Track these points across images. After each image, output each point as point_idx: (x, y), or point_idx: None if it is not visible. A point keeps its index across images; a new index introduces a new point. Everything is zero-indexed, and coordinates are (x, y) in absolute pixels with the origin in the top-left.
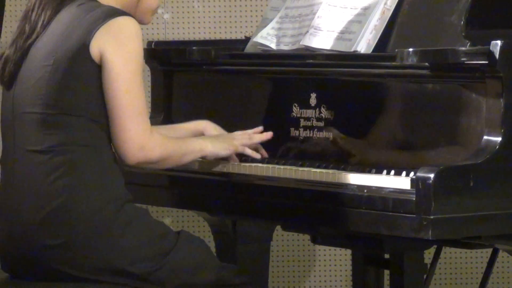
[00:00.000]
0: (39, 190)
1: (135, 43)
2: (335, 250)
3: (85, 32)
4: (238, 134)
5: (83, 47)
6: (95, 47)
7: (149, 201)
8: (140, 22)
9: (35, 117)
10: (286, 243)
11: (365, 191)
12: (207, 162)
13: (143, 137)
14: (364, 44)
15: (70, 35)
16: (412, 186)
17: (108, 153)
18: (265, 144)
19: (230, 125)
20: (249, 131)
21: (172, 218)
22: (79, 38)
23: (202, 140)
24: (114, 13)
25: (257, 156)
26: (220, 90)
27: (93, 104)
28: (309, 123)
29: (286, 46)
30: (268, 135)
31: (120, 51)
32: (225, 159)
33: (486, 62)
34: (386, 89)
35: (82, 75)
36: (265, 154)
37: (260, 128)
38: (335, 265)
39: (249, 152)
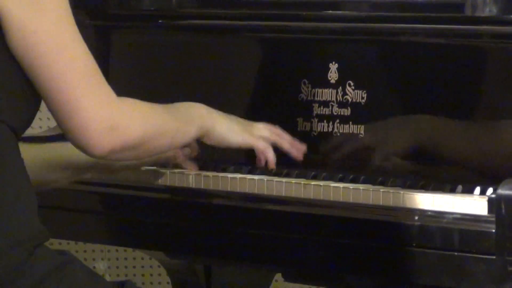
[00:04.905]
0: None
1: None
2: None
3: None
4: (262, 124)
5: None
6: None
7: (74, 236)
8: None
9: None
10: None
11: (417, 218)
12: (164, 173)
13: (109, 110)
14: None
15: None
16: (491, 210)
17: (15, 166)
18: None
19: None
20: (279, 129)
21: (109, 261)
22: None
23: (205, 110)
24: None
25: (272, 166)
26: (187, 59)
27: None
28: (327, 111)
29: None
30: (302, 149)
31: None
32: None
33: None
34: (449, 56)
35: None
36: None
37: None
38: None
39: (271, 156)
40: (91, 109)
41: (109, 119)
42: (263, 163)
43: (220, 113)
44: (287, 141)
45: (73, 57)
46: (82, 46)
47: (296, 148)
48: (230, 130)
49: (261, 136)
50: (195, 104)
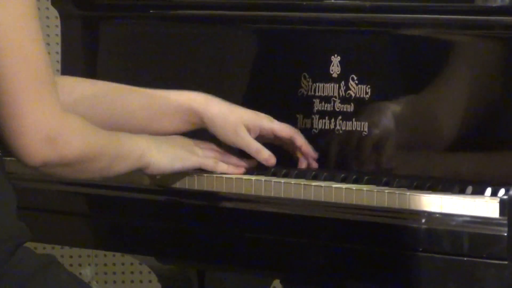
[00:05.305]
0: None
1: None
2: None
3: None
4: (205, 144)
5: None
6: None
7: (58, 240)
8: None
9: None
10: None
11: (424, 221)
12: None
13: (51, 121)
14: None
15: None
16: (502, 212)
17: None
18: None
19: None
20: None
21: (96, 267)
22: None
23: (145, 141)
24: None
25: (237, 171)
26: (180, 51)
27: None
28: (328, 107)
29: None
30: (242, 165)
31: None
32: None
33: None
34: (458, 49)
35: None
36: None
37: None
38: None
39: (224, 167)
40: (31, 116)
41: (48, 129)
42: (232, 172)
43: (160, 141)
44: (233, 160)
45: (27, 58)
46: (40, 48)
47: (236, 166)
48: (172, 157)
49: (206, 155)
50: (134, 135)
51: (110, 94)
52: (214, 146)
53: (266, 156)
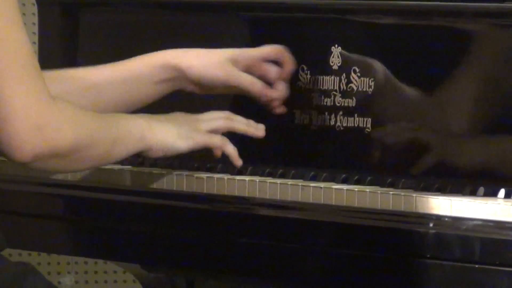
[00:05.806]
0: None
1: None
2: None
3: None
4: (209, 115)
5: None
6: None
7: (35, 246)
8: None
9: None
10: None
11: (432, 225)
12: (140, 173)
13: (39, 107)
14: None
15: None
16: None
17: None
18: (249, 143)
19: (185, 103)
20: (229, 113)
21: (76, 275)
22: None
23: (145, 121)
24: None
25: (238, 162)
26: (168, 41)
27: None
28: (328, 101)
29: None
30: (260, 127)
31: None
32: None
33: None
34: (471, 39)
35: None
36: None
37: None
38: None
39: (231, 150)
40: (17, 103)
41: (36, 117)
42: (220, 154)
43: (160, 119)
44: (241, 123)
45: (9, 45)
46: (22, 33)
47: (254, 127)
48: (176, 136)
49: (212, 129)
50: (133, 115)
51: (78, 80)
52: (218, 113)
53: (260, 86)
